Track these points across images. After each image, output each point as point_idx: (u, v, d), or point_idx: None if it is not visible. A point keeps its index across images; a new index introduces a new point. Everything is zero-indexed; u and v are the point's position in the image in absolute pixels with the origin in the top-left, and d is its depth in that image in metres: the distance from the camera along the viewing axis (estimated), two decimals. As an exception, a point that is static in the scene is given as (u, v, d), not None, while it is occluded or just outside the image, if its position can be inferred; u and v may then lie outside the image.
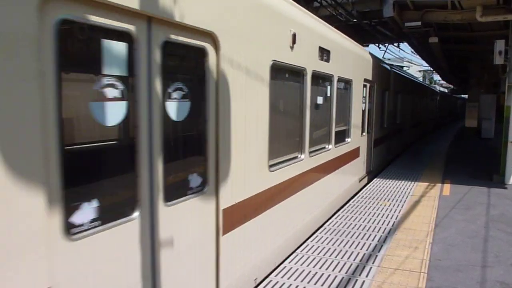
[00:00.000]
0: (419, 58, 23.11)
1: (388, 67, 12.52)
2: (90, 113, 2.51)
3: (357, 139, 9.11)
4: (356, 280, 4.55)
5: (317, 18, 6.34)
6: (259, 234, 4.54)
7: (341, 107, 7.70)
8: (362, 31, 15.06)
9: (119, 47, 2.65)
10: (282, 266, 4.93)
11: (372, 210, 7.45)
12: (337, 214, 7.12)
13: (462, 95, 54.44)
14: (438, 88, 41.87)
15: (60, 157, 2.22)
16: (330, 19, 12.01)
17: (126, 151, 2.84)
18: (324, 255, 5.30)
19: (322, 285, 4.45)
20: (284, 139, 5.37)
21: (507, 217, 7.16)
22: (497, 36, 11.38)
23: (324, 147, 6.85)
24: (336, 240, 5.84)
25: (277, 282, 4.50)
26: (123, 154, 2.87)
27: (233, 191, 3.93)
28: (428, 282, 4.58)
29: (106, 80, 2.57)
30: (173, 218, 3.12)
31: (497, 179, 10.17)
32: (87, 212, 2.44)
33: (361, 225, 6.55)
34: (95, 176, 2.63)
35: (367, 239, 5.88)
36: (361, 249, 5.51)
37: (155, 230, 2.93)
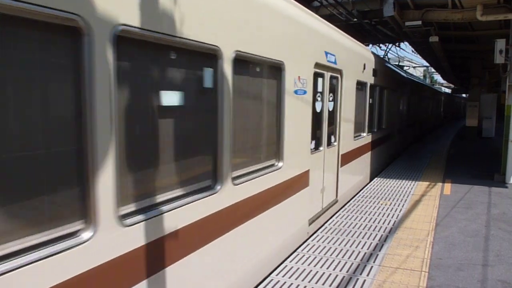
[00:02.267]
0: (420, 57, 23.10)
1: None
2: (315, 107, 6.18)
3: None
4: (357, 279, 4.56)
5: (363, 45, 9.50)
6: (353, 171, 8.57)
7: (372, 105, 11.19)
8: (363, 30, 15.04)
9: (319, 81, 6.27)
10: (283, 265, 4.93)
11: (373, 209, 7.45)
12: (337, 214, 7.13)
13: (455, 93, 46.76)
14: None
15: (312, 127, 5.98)
16: (330, 19, 12.00)
17: (320, 123, 6.48)
18: (325, 254, 5.30)
19: (323, 284, 4.45)
20: (355, 123, 8.71)
21: (508, 216, 7.16)
22: (498, 35, 11.37)
23: (374, 130, 10.67)
24: (337, 239, 5.84)
25: (278, 281, 4.50)
26: (320, 125, 6.47)
27: (343, 146, 7.68)
28: (429, 281, 4.58)
29: (318, 94, 6.24)
30: (328, 154, 6.88)
31: (498, 178, 10.17)
32: (313, 143, 6.14)
33: (362, 224, 6.56)
34: (315, 132, 6.25)
35: (368, 238, 5.89)
36: (362, 248, 5.51)
37: (324, 158, 6.72)
